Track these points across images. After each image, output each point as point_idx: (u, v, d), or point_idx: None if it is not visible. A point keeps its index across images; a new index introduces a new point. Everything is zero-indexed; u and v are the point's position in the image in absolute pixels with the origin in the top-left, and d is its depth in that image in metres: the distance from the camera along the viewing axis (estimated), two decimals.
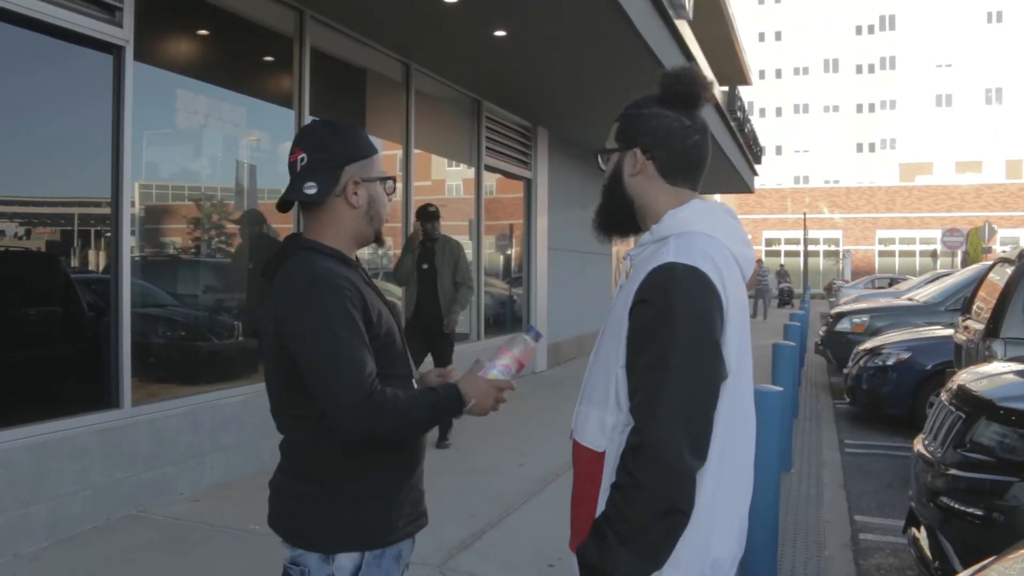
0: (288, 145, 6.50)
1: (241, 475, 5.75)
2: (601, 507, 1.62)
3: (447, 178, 10.56)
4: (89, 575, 4.01)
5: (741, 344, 1.63)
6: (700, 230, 1.65)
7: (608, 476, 1.63)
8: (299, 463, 1.90)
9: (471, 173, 10.36)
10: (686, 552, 1.55)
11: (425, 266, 6.82)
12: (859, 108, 71.13)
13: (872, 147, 70.81)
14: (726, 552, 1.64)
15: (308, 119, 6.70)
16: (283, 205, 1.98)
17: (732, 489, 1.64)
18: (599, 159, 1.86)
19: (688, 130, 1.72)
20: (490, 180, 10.90)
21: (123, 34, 5.01)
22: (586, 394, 1.75)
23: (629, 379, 1.59)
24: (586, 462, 1.70)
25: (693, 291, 1.55)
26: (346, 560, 1.85)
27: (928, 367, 8.17)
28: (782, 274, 34.75)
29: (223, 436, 5.72)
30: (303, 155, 1.92)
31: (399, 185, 8.50)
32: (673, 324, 1.52)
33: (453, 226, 10.38)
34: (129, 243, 5.14)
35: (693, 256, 1.58)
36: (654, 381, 1.52)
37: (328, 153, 1.92)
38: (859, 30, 70.61)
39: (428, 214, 6.88)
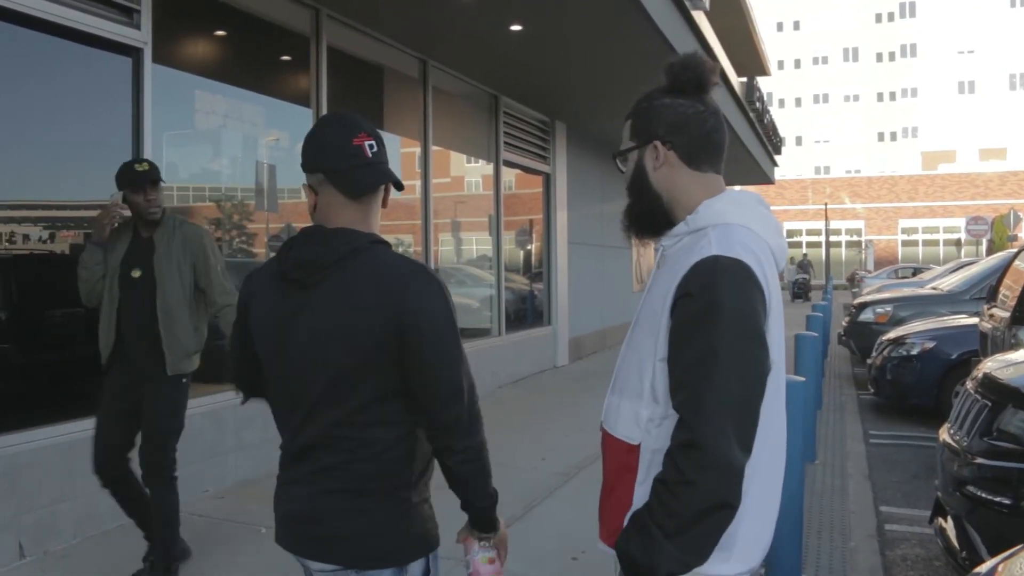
0: None
1: (264, 472, 5.78)
2: (638, 500, 1.62)
3: (466, 174, 10.58)
4: (117, 572, 4.05)
5: (779, 340, 1.64)
6: (737, 221, 1.64)
7: (644, 469, 1.63)
8: (364, 478, 1.78)
9: (490, 169, 10.36)
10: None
11: (137, 272, 3.82)
12: (880, 97, 70.50)
13: (894, 136, 70.19)
14: (755, 548, 1.64)
15: None
16: (366, 188, 1.84)
17: (764, 480, 1.64)
18: (617, 162, 1.83)
19: (704, 114, 1.72)
20: (509, 176, 10.90)
21: (141, 36, 5.05)
22: (618, 386, 1.74)
23: (672, 373, 1.57)
24: (619, 454, 1.69)
25: (738, 284, 1.53)
26: (416, 567, 1.84)
27: (953, 356, 8.09)
28: (803, 264, 31.96)
29: (246, 434, 5.76)
30: (372, 142, 1.83)
31: (417, 183, 8.52)
32: (719, 318, 1.51)
33: (473, 222, 10.40)
34: None
35: (735, 249, 1.56)
36: (701, 376, 1.50)
37: (384, 147, 1.88)
38: (879, 18, 69.97)
39: (137, 176, 3.79)
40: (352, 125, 1.83)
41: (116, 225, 3.89)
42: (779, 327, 1.64)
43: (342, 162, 1.80)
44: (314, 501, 1.81)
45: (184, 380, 3.95)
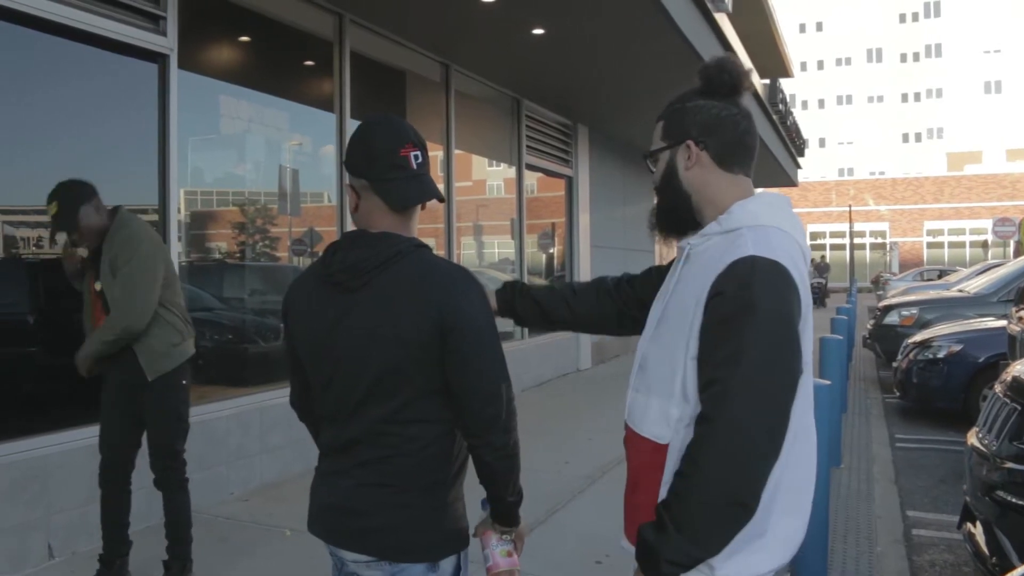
0: (330, 148, 6.45)
1: (290, 475, 5.82)
2: (663, 496, 1.62)
3: (488, 178, 10.60)
4: (143, 573, 4.08)
5: (809, 339, 1.64)
6: (772, 224, 1.65)
7: (672, 467, 1.63)
8: (404, 474, 1.82)
9: (512, 172, 10.37)
10: (739, 543, 1.55)
11: (98, 285, 3.88)
12: (904, 98, 69.90)
13: (918, 137, 69.56)
14: (786, 546, 1.64)
15: (349, 122, 6.77)
16: (409, 202, 1.85)
17: (797, 476, 1.63)
18: (648, 163, 1.85)
19: (737, 117, 1.74)
20: (531, 179, 10.91)
21: (167, 43, 5.11)
22: (643, 384, 1.75)
23: (701, 371, 1.57)
24: (645, 452, 1.70)
25: (775, 285, 1.54)
26: (448, 564, 1.86)
27: (981, 359, 8.00)
28: (821, 267, 30.56)
29: (271, 436, 5.80)
30: (417, 152, 1.85)
31: (440, 187, 8.54)
32: (755, 318, 1.51)
33: (495, 226, 10.43)
34: (177, 248, 5.24)
35: (773, 250, 1.57)
36: (731, 374, 1.50)
37: (428, 156, 1.89)
38: (903, 18, 69.40)
39: (52, 226, 3.91)
40: (400, 134, 1.85)
41: (79, 265, 3.94)
42: (809, 329, 1.64)
43: (387, 173, 1.82)
44: (354, 493, 1.85)
45: (184, 382, 3.89)
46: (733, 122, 1.73)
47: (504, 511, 1.93)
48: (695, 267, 1.68)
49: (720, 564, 1.56)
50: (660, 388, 1.68)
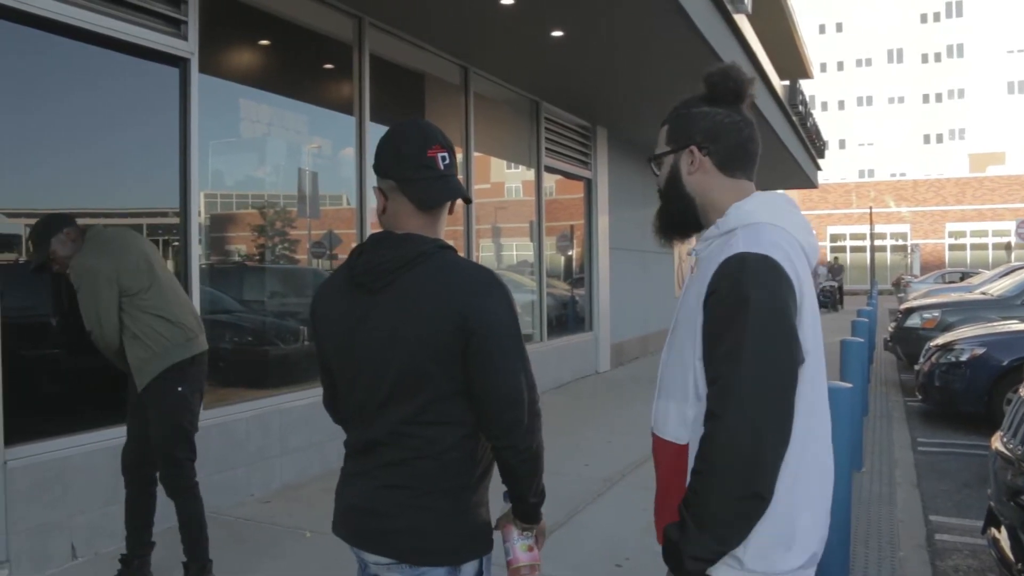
0: (350, 151, 6.46)
1: (309, 477, 5.85)
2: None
3: (507, 180, 10.60)
4: (165, 573, 4.11)
5: (815, 332, 1.66)
6: (766, 221, 1.68)
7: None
8: (426, 476, 1.81)
9: (531, 174, 10.37)
10: (765, 538, 1.57)
11: None
12: (925, 98, 69.39)
13: (940, 138, 69.03)
14: (812, 537, 1.66)
15: (369, 125, 6.79)
16: (435, 201, 1.87)
17: (814, 470, 1.65)
18: (652, 166, 1.90)
19: (740, 124, 1.79)
20: (550, 181, 10.90)
21: (188, 47, 5.14)
22: (664, 390, 1.79)
23: (707, 369, 1.61)
24: (670, 456, 1.73)
25: (765, 279, 1.57)
26: (470, 568, 1.86)
27: (1004, 363, 7.91)
28: (835, 269, 29.04)
29: (291, 438, 5.82)
30: (444, 154, 1.87)
31: None
32: (746, 311, 1.54)
33: (514, 228, 10.43)
34: (197, 251, 5.27)
35: (762, 245, 1.60)
36: (732, 370, 1.54)
37: (455, 159, 1.91)
38: (924, 18, 68.91)
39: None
40: (427, 135, 1.87)
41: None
42: (813, 322, 1.66)
43: (414, 172, 1.84)
44: (376, 495, 1.85)
45: (179, 389, 3.86)
46: (736, 129, 1.79)
47: (526, 510, 1.94)
48: (700, 271, 1.73)
49: (750, 560, 1.58)
50: (676, 392, 1.73)
